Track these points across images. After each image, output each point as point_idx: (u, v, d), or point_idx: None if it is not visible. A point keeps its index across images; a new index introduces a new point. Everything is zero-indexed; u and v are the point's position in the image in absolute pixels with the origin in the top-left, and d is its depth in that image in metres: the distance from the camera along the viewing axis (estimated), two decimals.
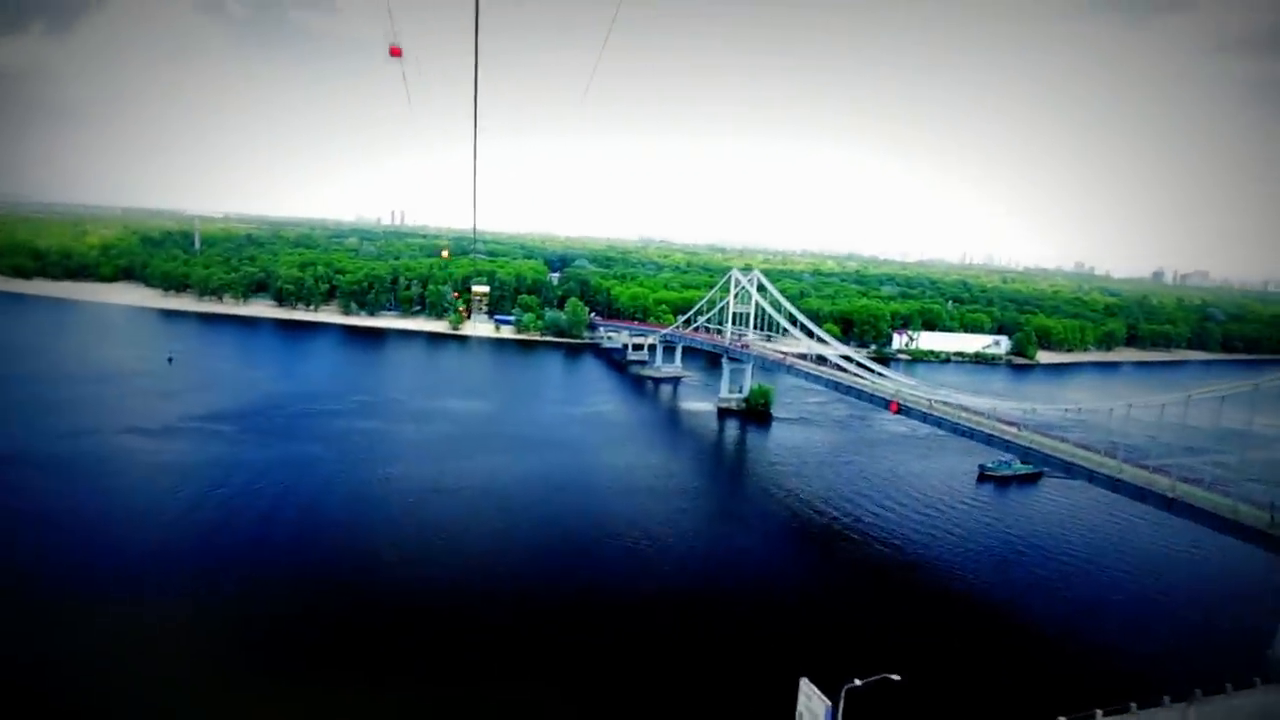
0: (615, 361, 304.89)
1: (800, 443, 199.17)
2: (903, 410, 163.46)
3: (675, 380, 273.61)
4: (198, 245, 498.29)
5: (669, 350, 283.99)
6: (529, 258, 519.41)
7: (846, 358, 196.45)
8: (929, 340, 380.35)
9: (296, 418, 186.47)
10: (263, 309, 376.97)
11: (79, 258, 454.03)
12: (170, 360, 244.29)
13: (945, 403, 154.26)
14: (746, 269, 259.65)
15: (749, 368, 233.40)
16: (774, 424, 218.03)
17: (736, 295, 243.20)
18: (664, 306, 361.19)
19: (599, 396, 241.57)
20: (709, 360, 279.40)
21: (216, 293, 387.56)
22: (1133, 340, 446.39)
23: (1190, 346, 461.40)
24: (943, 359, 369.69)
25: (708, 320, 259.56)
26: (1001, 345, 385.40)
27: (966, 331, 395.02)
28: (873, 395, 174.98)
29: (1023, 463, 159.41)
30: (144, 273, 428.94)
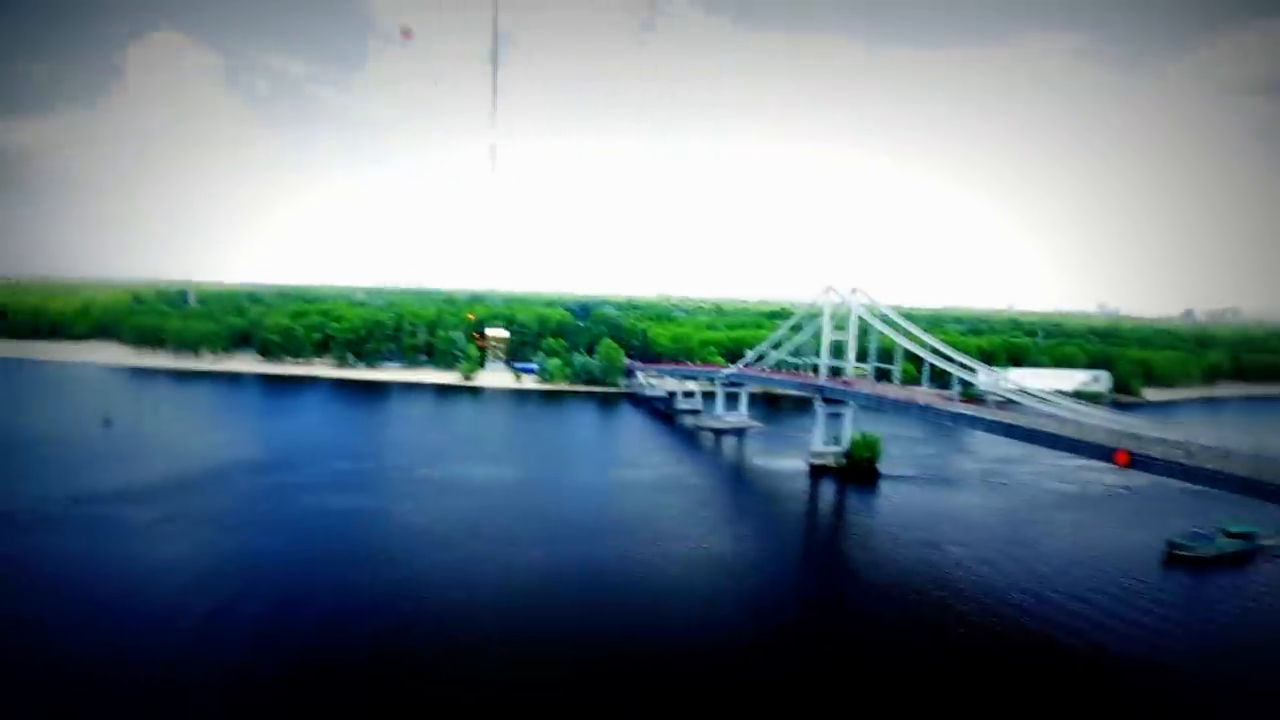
0: (660, 412, 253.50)
1: (933, 510, 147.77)
2: (1138, 463, 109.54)
3: (741, 432, 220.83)
4: (191, 302, 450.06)
5: (731, 397, 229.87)
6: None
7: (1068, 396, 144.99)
8: (1020, 377, 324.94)
9: (248, 495, 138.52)
10: (246, 364, 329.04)
11: (49, 316, 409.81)
12: (107, 423, 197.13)
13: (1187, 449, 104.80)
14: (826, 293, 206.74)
15: (848, 414, 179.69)
16: (885, 484, 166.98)
17: (832, 321, 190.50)
18: (711, 348, 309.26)
19: (652, 456, 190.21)
20: (771, 405, 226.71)
21: (193, 347, 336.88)
22: (1235, 373, 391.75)
23: None
24: (1039, 398, 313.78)
25: (760, 355, 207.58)
26: (1101, 381, 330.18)
27: (1058, 367, 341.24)
28: (1083, 444, 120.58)
29: (1231, 536, 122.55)
30: (118, 330, 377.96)
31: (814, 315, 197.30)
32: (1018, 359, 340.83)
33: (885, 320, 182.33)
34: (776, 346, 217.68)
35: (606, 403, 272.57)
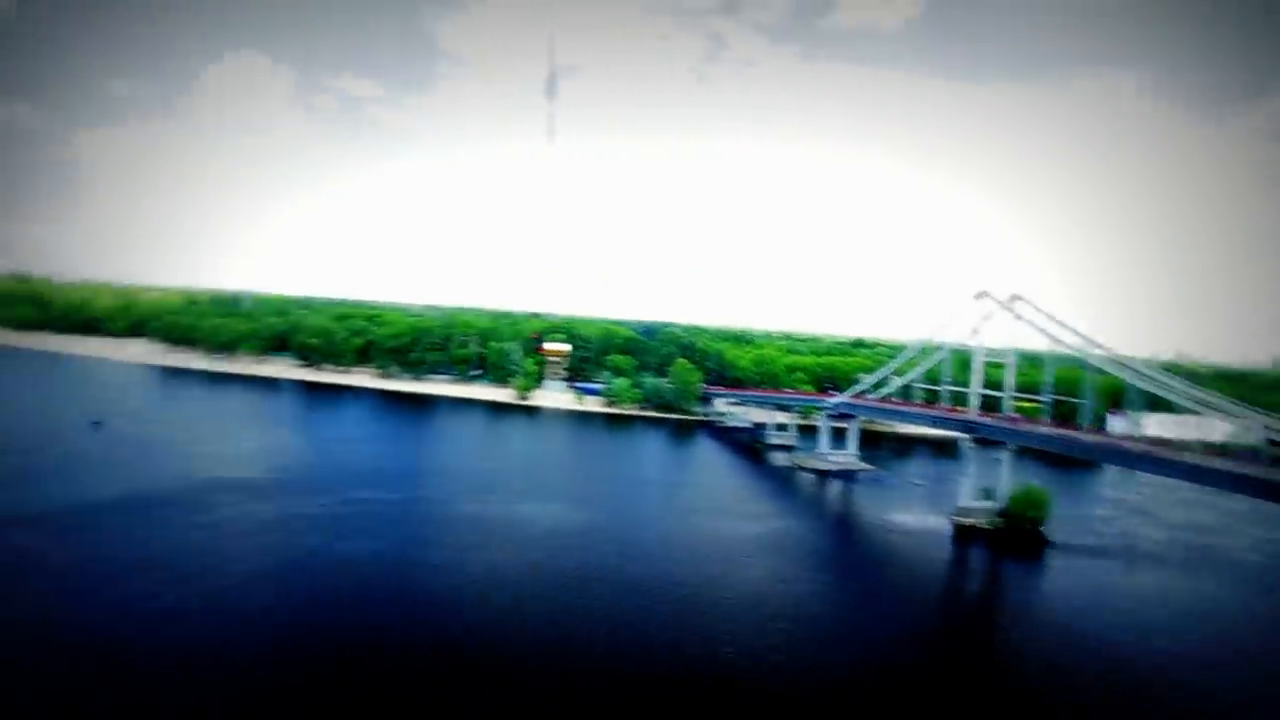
0: (745, 445, 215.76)
1: (1142, 599, 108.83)
2: None
3: (850, 475, 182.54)
4: (247, 307, 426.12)
5: (837, 432, 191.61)
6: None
7: None
8: (1159, 425, 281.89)
9: (225, 529, 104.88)
10: (283, 369, 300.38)
11: (90, 312, 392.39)
12: (97, 425, 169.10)
13: None
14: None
15: (1006, 459, 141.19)
16: (1058, 556, 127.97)
17: (979, 343, 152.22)
18: (800, 374, 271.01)
19: (745, 502, 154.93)
20: (874, 444, 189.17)
21: (228, 348, 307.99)
22: None
23: None
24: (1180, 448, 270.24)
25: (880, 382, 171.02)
26: (1255, 431, 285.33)
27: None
28: None
29: None
30: (154, 329, 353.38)
31: (928, 351, 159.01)
32: (1155, 403, 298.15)
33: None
34: (900, 372, 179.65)
35: (680, 431, 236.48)
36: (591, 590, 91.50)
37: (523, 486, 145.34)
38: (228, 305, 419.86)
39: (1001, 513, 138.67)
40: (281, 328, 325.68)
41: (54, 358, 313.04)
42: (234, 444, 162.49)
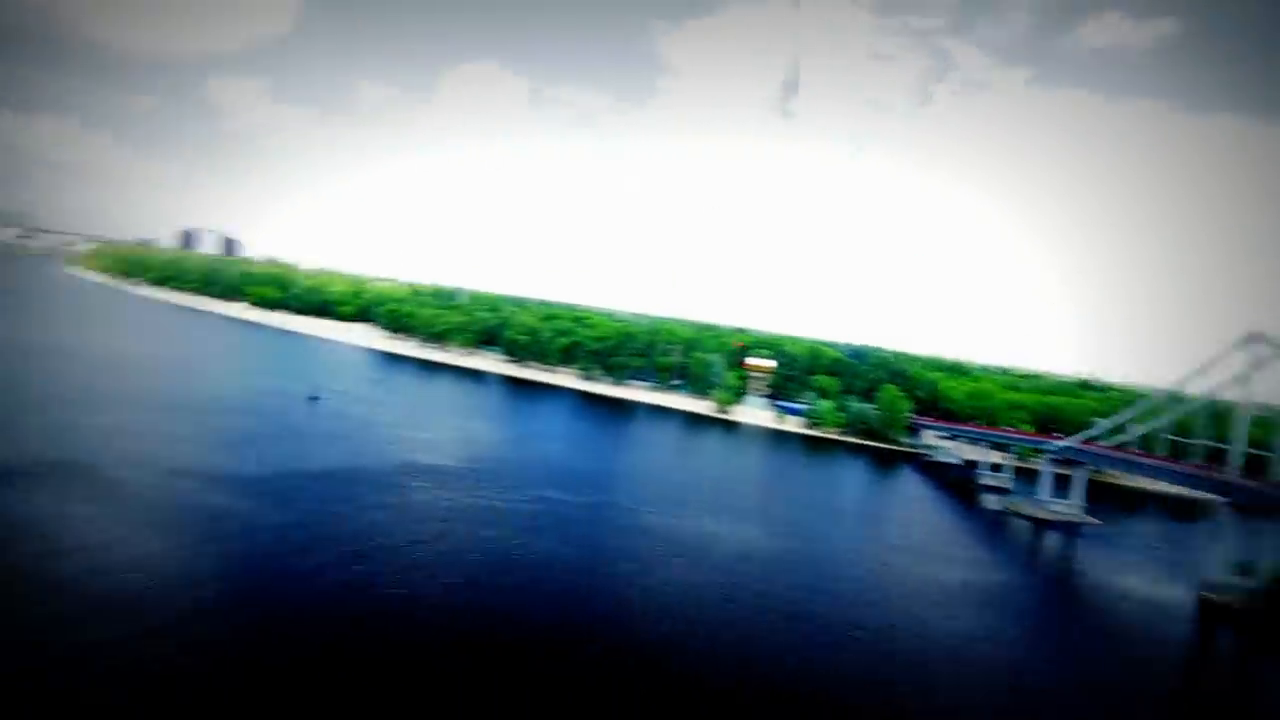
0: (953, 482, 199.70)
1: None
2: None
3: (1072, 527, 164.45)
4: (463, 301, 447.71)
5: (1060, 479, 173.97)
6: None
7: None
8: None
9: (418, 511, 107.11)
10: (490, 363, 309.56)
11: (323, 297, 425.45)
12: (313, 400, 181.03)
13: None
14: None
15: (1272, 531, 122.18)
16: None
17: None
18: (1020, 412, 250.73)
19: (952, 546, 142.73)
20: (1099, 496, 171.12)
21: (440, 338, 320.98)
22: None
23: None
24: None
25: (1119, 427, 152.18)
26: None
27: None
28: None
29: None
30: (377, 315, 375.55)
31: (1177, 398, 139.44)
32: None
33: None
34: (1142, 419, 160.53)
35: (882, 461, 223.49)
36: (776, 623, 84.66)
37: (715, 503, 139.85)
38: (446, 298, 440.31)
39: (1262, 592, 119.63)
40: (493, 323, 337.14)
41: (289, 335, 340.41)
42: (434, 430, 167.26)
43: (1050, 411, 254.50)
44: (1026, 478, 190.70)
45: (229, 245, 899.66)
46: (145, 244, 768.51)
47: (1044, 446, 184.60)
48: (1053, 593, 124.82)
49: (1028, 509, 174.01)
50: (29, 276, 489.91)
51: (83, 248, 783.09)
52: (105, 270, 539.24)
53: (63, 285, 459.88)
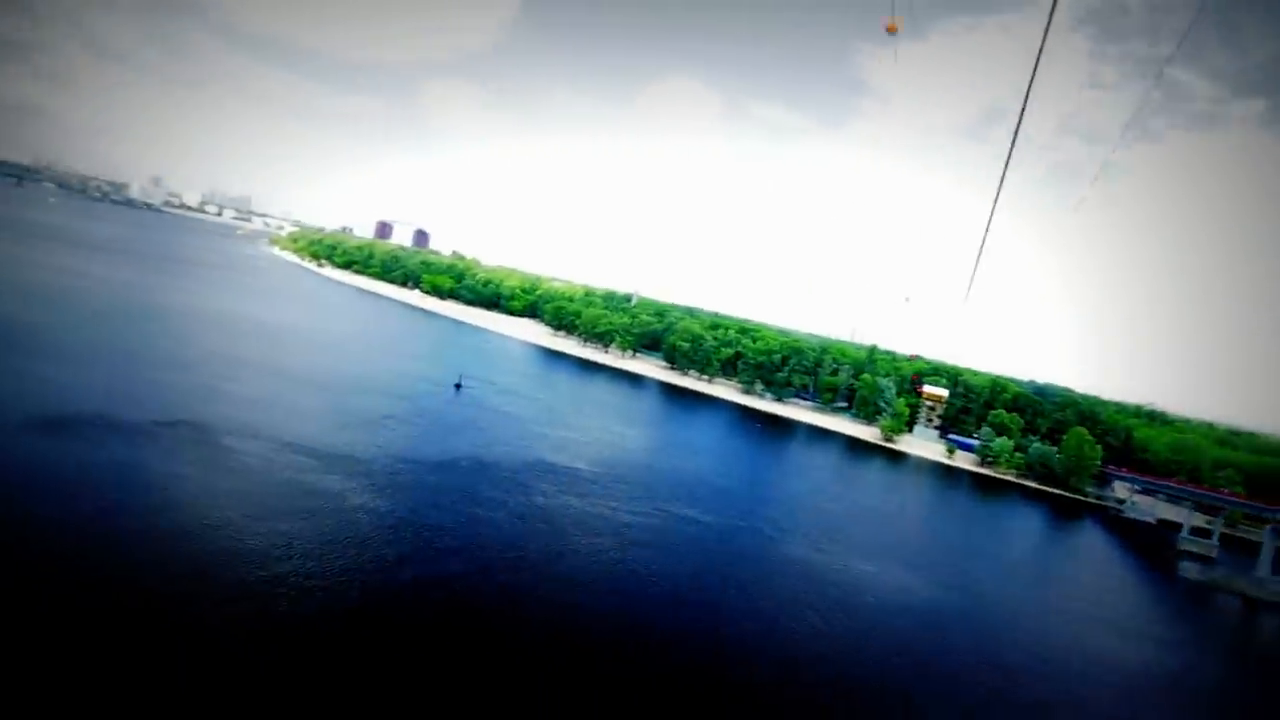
0: (1146, 544, 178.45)
1: None
2: None
3: None
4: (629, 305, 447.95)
5: None
6: None
7: None
8: None
9: (537, 514, 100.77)
10: (649, 368, 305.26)
11: (496, 290, 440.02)
12: (457, 387, 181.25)
13: None
14: None
15: None
16: None
17: None
18: (1230, 472, 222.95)
19: (1149, 623, 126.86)
20: None
21: (602, 339, 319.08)
22: None
23: None
24: None
25: None
26: None
27: None
28: None
29: None
30: (543, 311, 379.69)
31: None
32: None
33: None
34: None
35: (1062, 512, 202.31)
36: (932, 689, 73.07)
37: (868, 541, 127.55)
38: (620, 301, 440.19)
39: None
40: (656, 328, 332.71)
41: (456, 324, 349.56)
42: (577, 431, 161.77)
43: (1270, 475, 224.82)
44: (1236, 548, 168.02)
45: (419, 237, 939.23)
46: (345, 231, 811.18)
47: (1267, 514, 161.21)
48: (1275, 689, 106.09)
49: (1239, 584, 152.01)
50: (231, 253, 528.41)
51: (288, 231, 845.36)
52: (300, 252, 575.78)
53: (258, 262, 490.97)
